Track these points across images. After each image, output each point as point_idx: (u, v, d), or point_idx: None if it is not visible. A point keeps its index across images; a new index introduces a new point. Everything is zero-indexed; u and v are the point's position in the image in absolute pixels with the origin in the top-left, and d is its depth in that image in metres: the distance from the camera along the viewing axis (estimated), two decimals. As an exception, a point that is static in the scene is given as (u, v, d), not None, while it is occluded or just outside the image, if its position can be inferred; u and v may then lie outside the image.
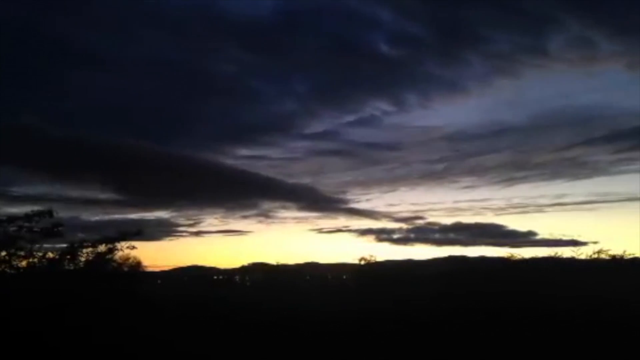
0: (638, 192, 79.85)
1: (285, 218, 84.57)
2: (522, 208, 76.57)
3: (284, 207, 73.55)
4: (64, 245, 14.94)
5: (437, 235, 61.52)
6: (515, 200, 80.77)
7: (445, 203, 79.14)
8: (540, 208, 73.64)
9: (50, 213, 14.31)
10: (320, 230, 73.86)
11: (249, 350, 11.98)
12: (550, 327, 13.54)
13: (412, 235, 61.22)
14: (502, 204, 79.54)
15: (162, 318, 15.14)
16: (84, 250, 15.27)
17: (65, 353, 10.90)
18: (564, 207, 74.58)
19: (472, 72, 70.34)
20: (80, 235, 15.72)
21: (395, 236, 61.17)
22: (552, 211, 73.92)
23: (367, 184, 79.51)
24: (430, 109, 77.26)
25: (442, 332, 13.36)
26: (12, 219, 13.91)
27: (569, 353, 11.32)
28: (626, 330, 12.57)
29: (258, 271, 52.59)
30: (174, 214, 73.59)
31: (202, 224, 73.76)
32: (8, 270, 13.74)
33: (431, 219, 66.57)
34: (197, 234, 68.32)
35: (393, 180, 77.81)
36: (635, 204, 78.24)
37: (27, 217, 14.02)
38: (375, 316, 16.24)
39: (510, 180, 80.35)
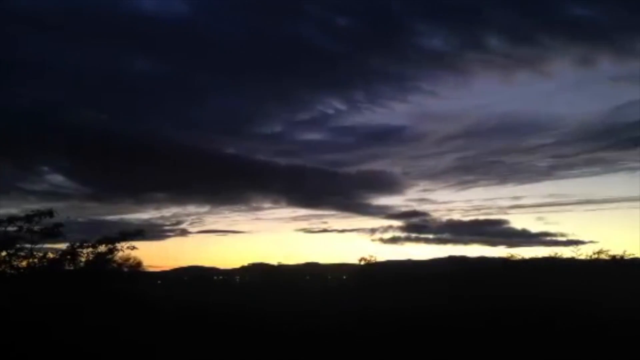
0: (591, 195, 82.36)
1: (277, 217, 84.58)
2: (486, 210, 77.78)
3: (275, 202, 73.21)
4: (65, 245, 14.94)
5: (433, 233, 61.62)
6: (476, 203, 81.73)
7: (413, 206, 78.85)
8: (502, 210, 74.90)
9: (50, 213, 14.31)
10: (309, 230, 74.06)
11: (248, 354, 11.95)
12: (550, 328, 13.54)
13: (405, 234, 61.32)
14: (465, 205, 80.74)
15: (159, 321, 15.03)
16: (84, 251, 15.22)
17: (64, 353, 10.90)
18: (524, 208, 76.08)
19: (416, 69, 70.20)
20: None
21: (390, 235, 61.30)
22: (514, 213, 75.36)
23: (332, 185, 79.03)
24: (380, 106, 76.91)
25: (442, 334, 13.34)
26: (12, 219, 13.91)
27: (568, 354, 11.32)
28: (625, 332, 12.56)
29: (257, 271, 52.57)
30: (155, 213, 73.20)
31: (188, 223, 73.56)
32: (8, 271, 13.73)
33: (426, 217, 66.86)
34: (184, 233, 67.98)
35: (355, 183, 77.38)
36: (592, 206, 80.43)
37: (27, 217, 14.02)
38: (376, 318, 16.20)
39: (464, 184, 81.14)
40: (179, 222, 72.04)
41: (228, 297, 28.52)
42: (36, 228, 13.92)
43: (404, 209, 72.21)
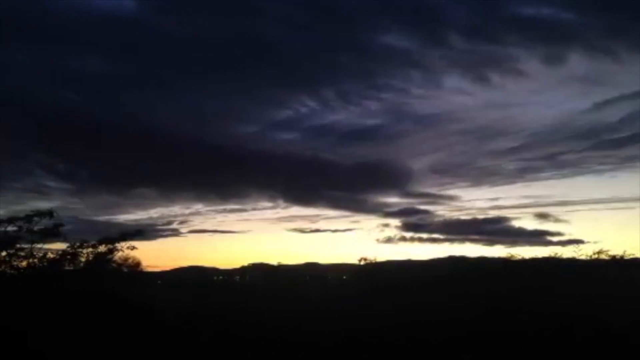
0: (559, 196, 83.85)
1: (270, 216, 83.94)
2: (466, 210, 78.09)
3: (270, 200, 72.54)
4: (65, 245, 14.92)
5: (432, 232, 61.43)
6: (456, 204, 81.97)
7: (400, 205, 77.61)
8: (482, 211, 75.41)
9: (50, 213, 14.31)
10: (301, 230, 73.78)
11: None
12: (550, 329, 13.51)
13: (404, 233, 61.08)
14: (447, 207, 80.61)
15: (156, 323, 14.88)
16: (84, 251, 15.20)
17: (63, 354, 10.86)
18: (504, 209, 76.61)
19: (384, 67, 69.65)
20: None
21: (388, 233, 60.97)
22: (493, 215, 75.52)
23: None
24: (353, 105, 75.93)
25: (442, 336, 13.30)
26: (12, 219, 13.92)
27: (568, 355, 11.30)
28: (625, 332, 12.54)
29: (257, 272, 52.47)
30: (143, 214, 72.31)
31: (177, 223, 72.79)
32: (8, 271, 13.72)
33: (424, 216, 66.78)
34: (176, 233, 67.17)
35: (327, 185, 76.48)
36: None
37: (27, 217, 14.02)
38: (377, 323, 16.09)
39: (442, 185, 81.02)
40: (168, 222, 71.16)
41: (228, 299, 28.41)
42: (36, 228, 13.94)
43: (403, 206, 71.73)
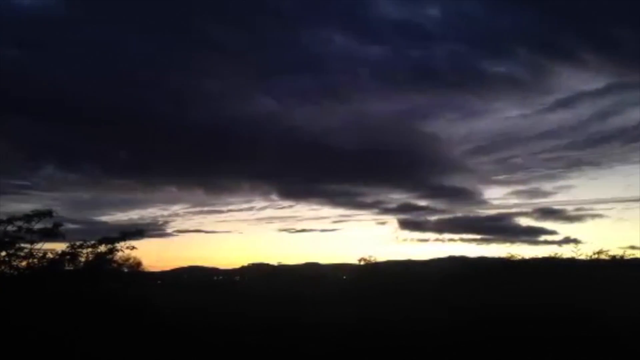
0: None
1: (251, 217, 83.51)
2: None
3: (262, 196, 72.00)
4: (65, 245, 14.90)
5: (431, 231, 61.42)
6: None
7: (392, 202, 76.86)
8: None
9: (50, 213, 14.31)
10: (291, 230, 73.63)
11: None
12: (550, 330, 13.48)
13: (403, 232, 61.00)
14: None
15: (159, 325, 14.77)
16: (84, 251, 15.18)
17: (63, 354, 10.87)
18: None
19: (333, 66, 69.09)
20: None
21: (387, 232, 60.73)
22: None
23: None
24: (310, 104, 75.62)
25: (443, 338, 13.25)
26: (12, 219, 13.90)
27: (568, 355, 11.27)
28: (626, 334, 12.49)
29: (255, 272, 52.45)
30: (122, 215, 71.76)
31: (160, 223, 72.17)
32: (8, 271, 13.71)
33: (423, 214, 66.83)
34: (162, 234, 66.51)
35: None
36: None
37: (27, 217, 14.01)
38: (376, 325, 16.00)
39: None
40: (152, 223, 70.44)
41: (230, 300, 28.31)
42: (36, 228, 13.94)
43: (402, 202, 71.54)
